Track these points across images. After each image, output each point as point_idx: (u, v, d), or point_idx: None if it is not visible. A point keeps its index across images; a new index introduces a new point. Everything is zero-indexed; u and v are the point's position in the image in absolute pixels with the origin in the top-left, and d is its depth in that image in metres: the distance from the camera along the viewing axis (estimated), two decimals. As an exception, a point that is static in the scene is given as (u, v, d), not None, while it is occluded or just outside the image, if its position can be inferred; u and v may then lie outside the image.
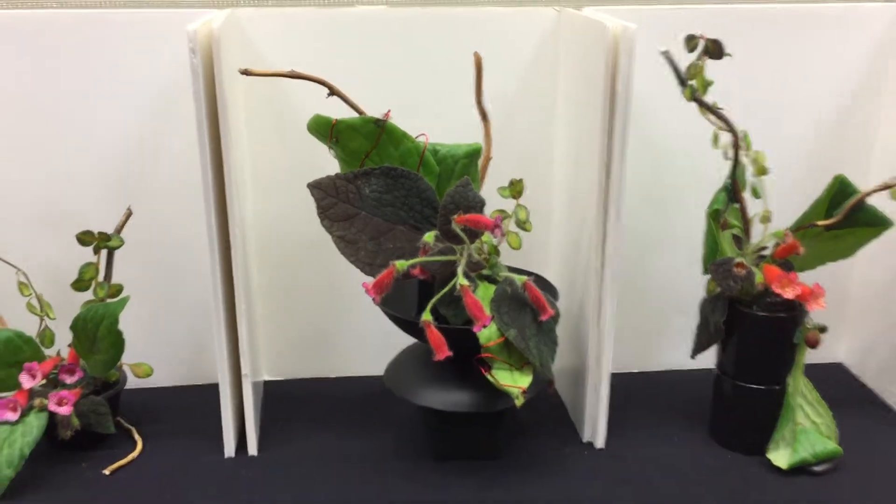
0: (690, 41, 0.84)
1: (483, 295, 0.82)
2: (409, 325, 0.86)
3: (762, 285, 0.87)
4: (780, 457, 0.89)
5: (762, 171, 0.91)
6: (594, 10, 0.93)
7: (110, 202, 0.96)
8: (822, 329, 0.89)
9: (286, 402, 1.03)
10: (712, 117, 0.87)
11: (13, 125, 0.94)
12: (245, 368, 0.89)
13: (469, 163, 0.87)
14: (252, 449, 0.92)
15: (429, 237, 0.79)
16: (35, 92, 0.94)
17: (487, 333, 0.81)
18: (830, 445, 0.89)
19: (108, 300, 0.93)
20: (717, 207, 0.90)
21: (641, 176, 0.99)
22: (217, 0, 0.99)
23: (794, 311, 0.88)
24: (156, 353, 1.00)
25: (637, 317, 1.07)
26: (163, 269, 1.01)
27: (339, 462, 0.91)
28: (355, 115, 0.84)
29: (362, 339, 1.08)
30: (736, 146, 0.88)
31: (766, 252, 0.91)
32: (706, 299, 0.93)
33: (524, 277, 0.82)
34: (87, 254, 0.93)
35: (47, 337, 0.93)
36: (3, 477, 0.84)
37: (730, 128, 0.87)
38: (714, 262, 0.88)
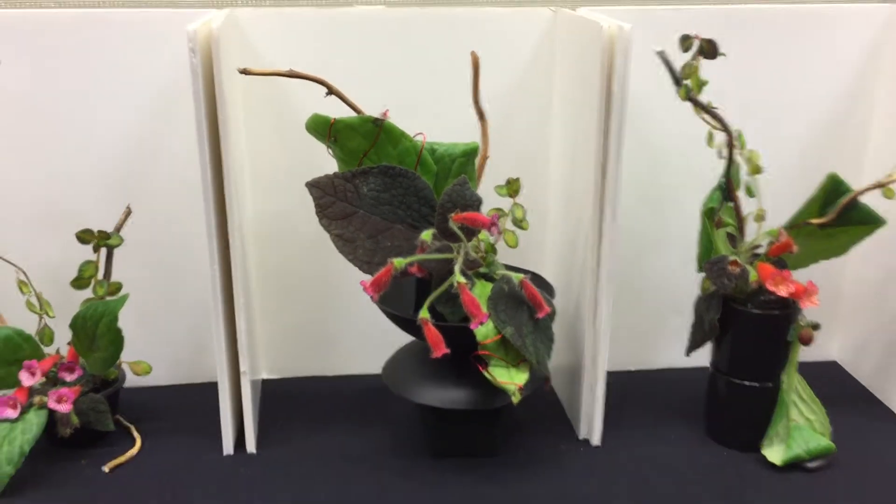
0: (685, 41, 0.85)
1: (480, 293, 0.83)
2: (406, 322, 0.86)
3: (756, 283, 0.87)
4: (775, 453, 0.90)
5: (756, 169, 0.91)
6: (590, 11, 0.94)
7: (110, 201, 0.96)
8: (816, 326, 0.89)
9: (284, 400, 1.04)
10: (707, 117, 0.88)
11: (13, 124, 0.95)
12: (244, 366, 0.90)
13: (466, 162, 0.88)
14: (251, 447, 0.93)
15: (426, 235, 0.80)
16: (34, 91, 0.94)
17: (484, 331, 0.81)
18: (824, 442, 0.90)
19: (108, 298, 0.93)
20: (712, 206, 0.91)
21: (637, 175, 1.00)
22: (216, 0, 1.00)
23: (787, 308, 0.88)
24: (155, 352, 1.00)
25: (633, 315, 1.08)
26: (162, 267, 1.02)
27: (338, 459, 0.91)
28: (353, 114, 0.85)
29: (360, 338, 1.08)
30: (730, 145, 0.89)
31: (760, 250, 0.92)
32: (701, 297, 0.94)
33: (521, 275, 0.83)
34: (86, 253, 0.93)
35: (46, 335, 0.94)
36: (3, 474, 0.84)
37: (724, 127, 0.88)
38: (709, 261, 0.89)
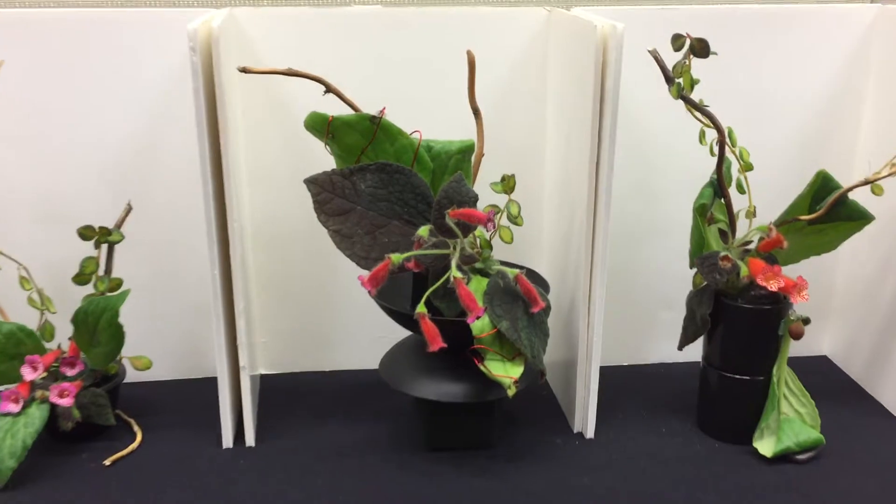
0: (677, 40, 0.85)
1: (476, 287, 0.83)
2: (403, 317, 0.87)
3: (747, 278, 0.88)
4: (765, 445, 0.91)
5: (747, 166, 0.93)
6: (583, 10, 0.95)
7: (110, 198, 0.97)
8: (806, 321, 0.90)
9: (283, 395, 1.04)
10: (698, 114, 0.89)
11: (15, 122, 0.96)
12: (243, 361, 0.91)
13: (462, 159, 0.89)
14: (250, 440, 0.93)
15: (423, 231, 0.81)
16: (35, 90, 0.95)
17: (480, 325, 0.82)
18: (814, 434, 0.91)
19: (109, 294, 0.94)
20: (704, 202, 0.92)
21: (630, 172, 1.01)
22: (215, 0, 1.01)
23: (778, 303, 0.90)
24: (155, 347, 1.01)
25: (626, 310, 1.09)
26: (162, 263, 1.03)
27: (336, 452, 0.92)
28: (351, 112, 0.85)
29: (357, 334, 1.09)
30: (721, 143, 0.90)
31: (751, 246, 0.93)
32: (693, 292, 0.95)
33: (516, 270, 0.84)
34: (86, 250, 0.94)
35: (48, 330, 0.95)
36: (5, 467, 0.85)
37: (715, 125, 0.89)
38: (700, 256, 0.90)
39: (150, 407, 1.00)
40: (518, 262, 0.93)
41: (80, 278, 0.94)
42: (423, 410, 0.92)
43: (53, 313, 0.94)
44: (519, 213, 0.91)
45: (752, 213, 0.93)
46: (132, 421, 0.97)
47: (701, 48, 0.85)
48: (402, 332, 0.94)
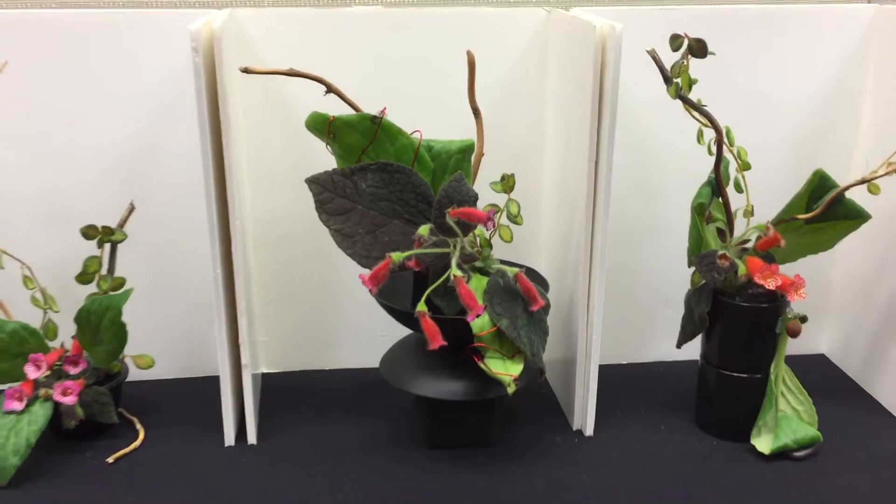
0: (675, 40, 0.86)
1: (476, 286, 0.84)
2: (404, 315, 0.88)
3: (745, 277, 0.89)
4: (763, 442, 0.91)
5: (745, 166, 0.93)
6: (582, 11, 0.96)
7: (113, 198, 0.98)
8: (803, 318, 0.91)
9: (284, 393, 1.05)
10: (696, 114, 0.89)
11: (18, 123, 0.96)
12: (245, 359, 0.91)
13: (462, 158, 0.89)
14: (252, 437, 0.94)
15: (423, 230, 0.82)
16: (39, 90, 0.96)
17: (480, 323, 0.83)
18: (811, 431, 0.92)
19: (112, 293, 0.95)
20: (702, 201, 0.93)
21: (628, 171, 1.01)
22: (216, 0, 1.01)
23: (775, 301, 0.90)
24: (157, 346, 1.02)
25: (625, 309, 1.10)
26: (164, 263, 1.03)
27: (337, 450, 0.93)
28: (352, 112, 0.86)
29: (358, 333, 1.10)
30: (719, 142, 0.90)
31: (749, 245, 0.94)
32: (691, 291, 0.96)
33: (516, 269, 0.84)
34: (88, 250, 0.95)
35: (51, 329, 0.95)
36: (9, 465, 0.86)
37: (713, 124, 0.89)
38: (698, 255, 0.91)
39: (153, 405, 1.01)
40: (518, 261, 0.93)
41: (84, 277, 0.95)
42: (423, 408, 0.93)
43: (56, 312, 0.95)
44: (518, 212, 0.92)
45: (749, 212, 0.94)
46: (135, 419, 0.98)
47: (699, 48, 0.85)
48: (403, 331, 0.95)
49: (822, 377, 1.09)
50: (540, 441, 0.95)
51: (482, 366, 0.84)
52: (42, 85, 0.96)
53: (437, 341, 0.80)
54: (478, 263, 0.88)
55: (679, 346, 0.97)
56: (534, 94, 1.03)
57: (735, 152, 0.93)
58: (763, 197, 0.94)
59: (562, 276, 0.99)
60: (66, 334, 0.95)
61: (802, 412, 0.93)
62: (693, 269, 0.94)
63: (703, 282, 0.92)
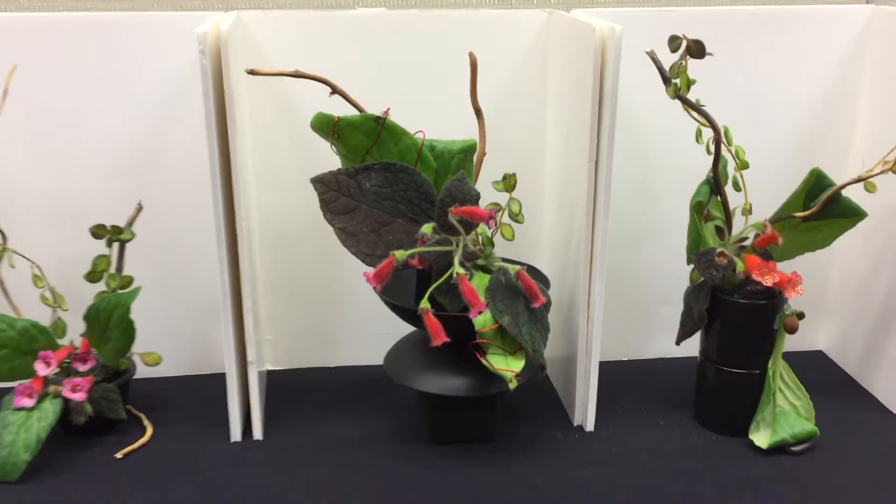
0: (674, 41, 0.87)
1: (478, 284, 0.85)
2: (407, 312, 0.89)
3: (743, 274, 0.90)
4: (761, 437, 0.92)
5: (743, 165, 0.94)
6: (583, 13, 0.97)
7: (121, 199, 0.99)
8: (801, 315, 0.92)
9: (289, 390, 1.06)
10: (695, 114, 0.90)
11: (28, 125, 0.97)
12: (251, 356, 0.92)
13: (464, 158, 0.90)
14: (257, 433, 0.95)
15: (427, 229, 0.82)
16: (48, 93, 0.97)
17: (482, 320, 0.84)
18: (808, 426, 0.93)
19: (120, 291, 0.96)
20: (700, 200, 0.93)
21: (628, 170, 1.02)
22: (221, 3, 1.02)
23: (773, 298, 0.91)
24: (164, 344, 1.02)
25: (625, 306, 1.11)
26: (171, 263, 1.04)
27: (342, 445, 0.94)
28: (356, 113, 0.87)
29: (362, 331, 1.11)
30: (717, 141, 0.91)
31: (747, 242, 0.95)
32: (690, 288, 0.97)
33: (517, 267, 0.85)
34: (96, 249, 0.96)
35: (60, 327, 0.96)
36: (20, 460, 0.87)
37: (711, 124, 0.90)
38: (697, 253, 0.92)
39: (160, 402, 1.02)
40: (519, 259, 0.94)
41: (93, 276, 0.96)
42: (426, 404, 0.94)
43: (65, 310, 0.96)
44: (520, 210, 0.93)
45: (747, 211, 0.94)
46: (143, 415, 0.99)
47: (697, 49, 0.86)
48: (406, 329, 0.96)
49: (819, 373, 1.10)
50: (541, 437, 0.96)
51: (484, 362, 0.85)
52: (52, 86, 0.97)
53: (439, 338, 0.81)
54: (480, 261, 0.89)
55: (678, 342, 0.97)
56: (535, 95, 1.04)
57: (733, 151, 0.94)
58: (761, 196, 0.95)
59: (563, 274, 1.00)
60: (74, 332, 0.96)
61: (800, 407, 0.94)
62: (692, 266, 0.95)
63: (702, 279, 0.93)
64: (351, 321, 1.11)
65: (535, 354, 0.84)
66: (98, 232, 0.95)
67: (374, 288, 0.82)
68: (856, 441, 0.95)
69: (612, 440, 0.95)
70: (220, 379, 0.93)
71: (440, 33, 1.00)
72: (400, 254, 0.82)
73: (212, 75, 0.82)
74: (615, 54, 0.84)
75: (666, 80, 0.87)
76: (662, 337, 1.12)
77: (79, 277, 0.96)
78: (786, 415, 0.93)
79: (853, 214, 0.92)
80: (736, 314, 0.92)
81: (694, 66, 0.87)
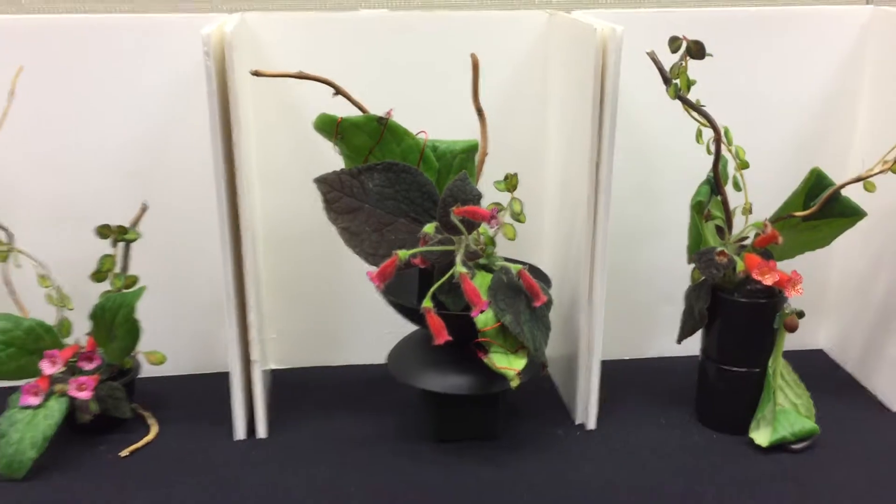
0: (674, 42, 0.87)
1: (480, 283, 0.85)
2: (410, 311, 0.90)
3: (743, 273, 0.90)
4: (761, 435, 0.93)
5: (743, 164, 0.94)
6: (583, 14, 0.97)
7: (125, 199, 0.99)
8: (800, 314, 0.92)
9: (293, 389, 1.07)
10: (695, 114, 0.90)
11: (32, 126, 0.98)
12: (255, 355, 0.93)
13: (466, 158, 0.91)
14: (261, 432, 0.96)
15: (429, 228, 0.83)
16: (54, 94, 0.97)
17: (484, 319, 0.84)
18: (808, 424, 0.93)
19: (125, 291, 0.97)
20: (701, 199, 0.93)
21: (629, 170, 1.03)
22: (224, 5, 1.03)
23: (773, 297, 0.92)
24: (169, 343, 1.03)
25: (626, 305, 1.11)
26: (176, 263, 1.05)
27: (345, 444, 0.94)
28: (359, 113, 0.87)
29: (365, 330, 1.11)
30: (718, 141, 0.91)
31: (747, 242, 0.95)
32: (691, 287, 0.97)
33: (519, 266, 0.86)
34: (101, 249, 0.97)
35: (65, 326, 0.97)
36: (27, 458, 0.87)
37: (712, 124, 0.90)
38: (698, 252, 0.92)
39: (165, 400, 1.03)
40: (521, 258, 0.95)
41: (98, 275, 0.96)
42: (429, 403, 0.94)
43: (71, 310, 0.97)
44: (522, 210, 0.92)
45: (748, 210, 0.95)
46: (147, 414, 0.99)
47: (697, 50, 0.86)
48: (409, 328, 0.96)
49: (819, 372, 1.10)
50: (543, 435, 0.96)
51: (486, 361, 0.85)
52: (58, 88, 0.97)
53: (442, 337, 0.81)
54: (482, 260, 0.90)
55: (679, 341, 0.98)
56: (536, 95, 1.04)
57: (733, 151, 0.94)
58: (762, 196, 0.95)
59: (564, 273, 1.01)
60: (80, 331, 0.96)
61: (800, 406, 0.95)
62: (692, 265, 0.96)
63: (703, 278, 0.94)
64: (354, 320, 1.11)
65: (536, 353, 0.85)
66: (103, 232, 0.96)
67: (377, 287, 0.83)
68: (855, 439, 0.96)
69: (613, 438, 0.96)
70: (224, 378, 0.94)
71: (442, 34, 1.00)
72: (402, 253, 0.82)
73: (216, 76, 0.83)
74: (616, 55, 0.84)
75: (666, 81, 0.88)
76: (663, 336, 1.12)
77: (84, 277, 0.97)
78: (786, 413, 0.93)
79: (853, 214, 0.92)
80: (736, 313, 0.93)
81: (694, 67, 0.88)
